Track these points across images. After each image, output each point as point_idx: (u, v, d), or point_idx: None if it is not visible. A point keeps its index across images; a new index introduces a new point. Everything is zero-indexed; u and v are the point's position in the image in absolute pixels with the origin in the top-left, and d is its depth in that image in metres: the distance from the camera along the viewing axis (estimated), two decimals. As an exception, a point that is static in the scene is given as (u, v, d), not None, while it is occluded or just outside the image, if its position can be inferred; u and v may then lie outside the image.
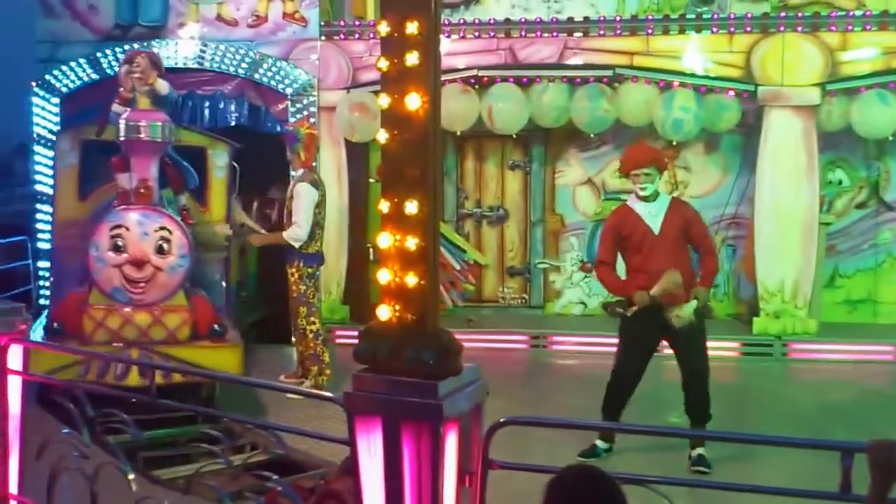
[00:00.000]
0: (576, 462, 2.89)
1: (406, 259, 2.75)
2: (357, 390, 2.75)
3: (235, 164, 7.71)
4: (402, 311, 2.76)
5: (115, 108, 6.80)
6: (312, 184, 7.31)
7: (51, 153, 8.42)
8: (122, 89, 6.81)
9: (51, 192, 8.07)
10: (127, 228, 6.48)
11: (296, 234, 7.18)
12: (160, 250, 6.51)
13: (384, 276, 2.79)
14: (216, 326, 6.61)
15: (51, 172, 8.09)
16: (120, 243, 6.45)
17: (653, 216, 5.82)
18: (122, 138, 6.63)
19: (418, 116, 2.72)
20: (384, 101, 2.79)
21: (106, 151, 7.08)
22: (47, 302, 7.81)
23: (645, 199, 5.85)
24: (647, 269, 5.75)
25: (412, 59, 2.73)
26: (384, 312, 2.79)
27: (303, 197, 7.22)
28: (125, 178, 6.78)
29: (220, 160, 7.57)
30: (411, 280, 2.74)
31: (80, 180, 7.39)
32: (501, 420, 2.78)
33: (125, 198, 6.73)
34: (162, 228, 6.53)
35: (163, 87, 6.77)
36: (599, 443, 5.90)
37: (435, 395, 2.61)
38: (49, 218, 8.34)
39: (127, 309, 6.45)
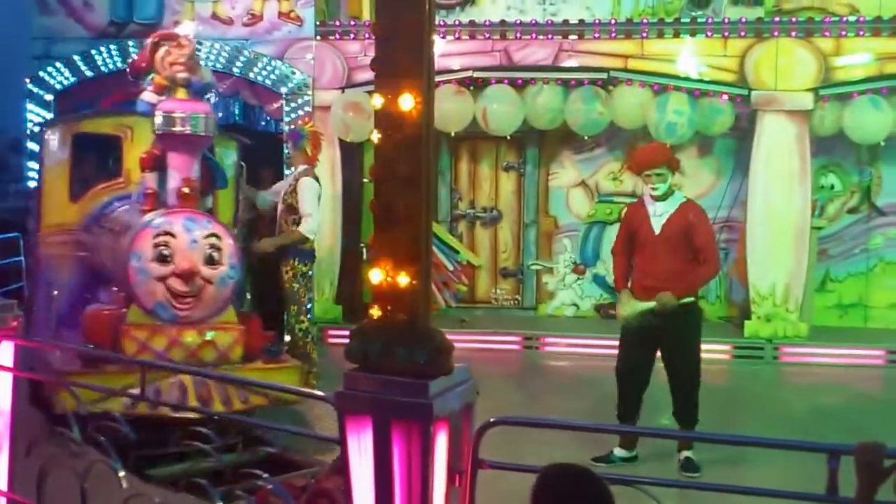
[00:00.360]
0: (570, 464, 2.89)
1: (398, 259, 2.76)
2: (348, 389, 2.76)
3: (243, 164, 7.38)
4: (393, 311, 2.77)
5: (147, 96, 5.92)
6: (315, 178, 7.34)
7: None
8: (154, 76, 5.88)
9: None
10: (173, 235, 5.58)
11: (311, 226, 7.18)
12: (210, 260, 5.64)
13: (376, 275, 2.80)
14: (270, 346, 5.94)
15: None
16: (166, 252, 5.55)
17: (657, 216, 5.79)
18: (157, 132, 5.81)
19: (412, 117, 2.73)
20: (377, 101, 2.79)
21: (101, 146, 6.87)
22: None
23: (656, 198, 5.82)
24: (647, 268, 5.78)
25: (406, 59, 2.73)
26: (376, 312, 2.80)
27: (308, 190, 7.20)
28: (153, 177, 5.93)
29: (228, 158, 7.02)
30: (403, 280, 2.75)
31: (71, 178, 6.68)
32: (491, 420, 2.78)
33: (153, 200, 5.85)
34: (211, 235, 5.68)
35: (206, 74, 6.01)
36: (617, 451, 5.77)
37: (425, 395, 2.61)
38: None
39: (173, 328, 5.60)
